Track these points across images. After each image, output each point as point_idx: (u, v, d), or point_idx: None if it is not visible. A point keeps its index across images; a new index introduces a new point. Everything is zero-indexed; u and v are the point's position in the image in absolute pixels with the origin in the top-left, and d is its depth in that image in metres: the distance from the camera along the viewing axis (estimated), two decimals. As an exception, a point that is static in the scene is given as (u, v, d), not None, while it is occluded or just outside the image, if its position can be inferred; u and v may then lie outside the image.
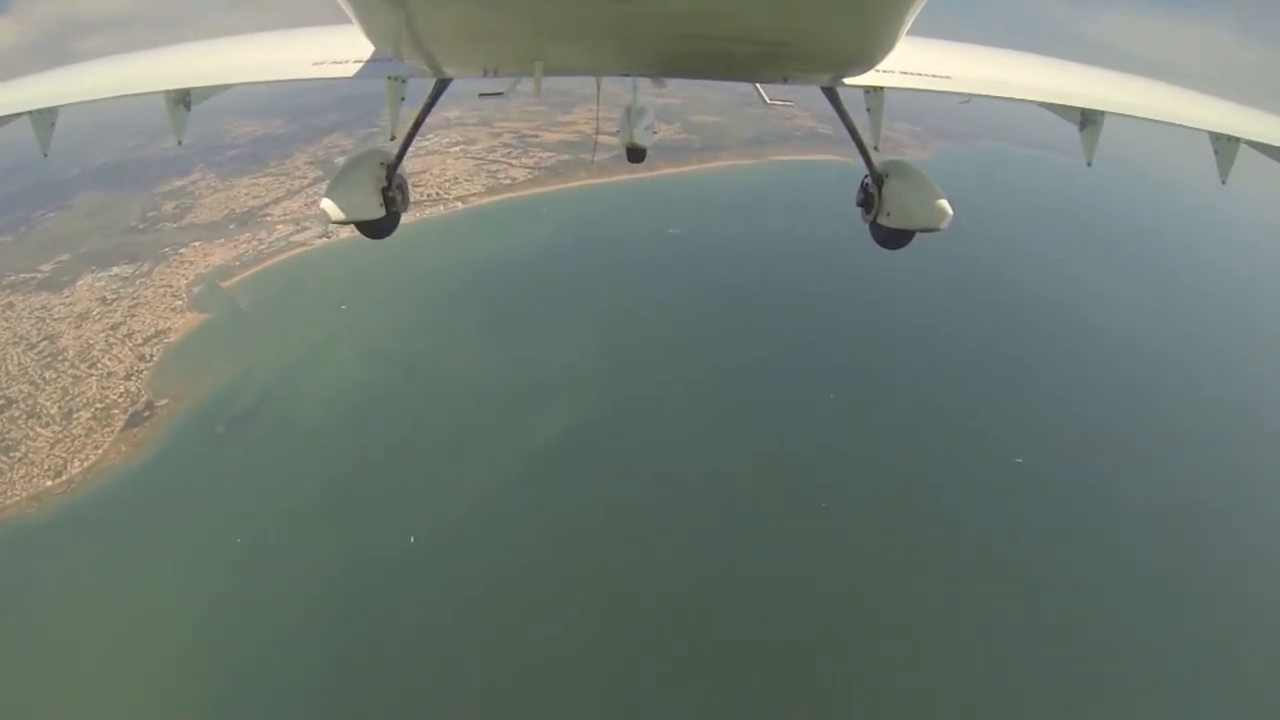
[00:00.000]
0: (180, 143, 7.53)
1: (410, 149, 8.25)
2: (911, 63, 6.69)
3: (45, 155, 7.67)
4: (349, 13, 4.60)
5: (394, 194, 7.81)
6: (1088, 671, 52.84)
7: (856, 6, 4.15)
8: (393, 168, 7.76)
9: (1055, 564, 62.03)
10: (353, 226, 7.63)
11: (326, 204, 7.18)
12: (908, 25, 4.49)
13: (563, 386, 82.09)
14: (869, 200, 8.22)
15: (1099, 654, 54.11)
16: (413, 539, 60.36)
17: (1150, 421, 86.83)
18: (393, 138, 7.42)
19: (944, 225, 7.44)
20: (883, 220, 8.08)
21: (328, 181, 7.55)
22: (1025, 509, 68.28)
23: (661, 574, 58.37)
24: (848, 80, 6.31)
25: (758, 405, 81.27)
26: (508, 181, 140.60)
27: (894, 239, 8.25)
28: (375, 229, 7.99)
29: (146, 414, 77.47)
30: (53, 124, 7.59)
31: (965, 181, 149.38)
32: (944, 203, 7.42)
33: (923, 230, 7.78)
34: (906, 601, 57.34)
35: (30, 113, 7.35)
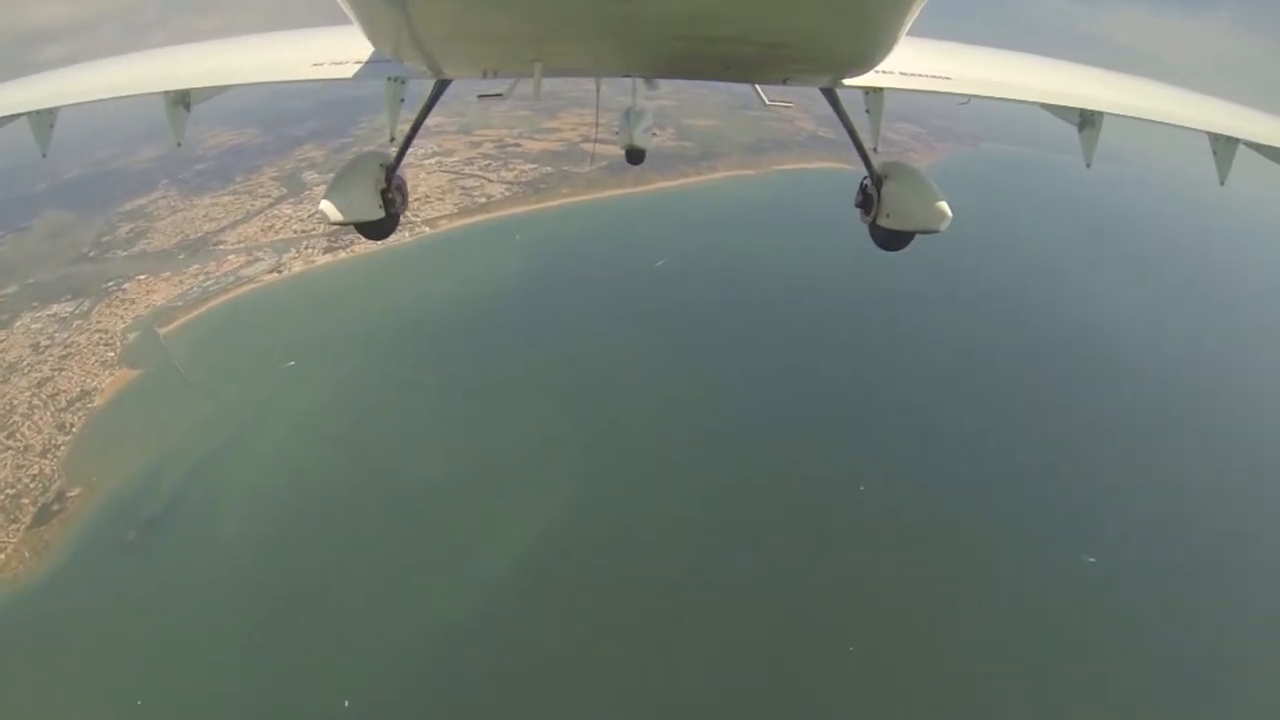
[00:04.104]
0: (179, 145, 7.37)
1: (409, 151, 8.16)
2: (911, 63, 6.58)
3: (44, 156, 7.59)
4: (349, 13, 4.44)
5: (393, 195, 7.84)
6: None
7: (856, 7, 4.02)
8: (392, 169, 7.81)
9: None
10: (352, 228, 7.69)
11: (326, 205, 7.17)
12: (908, 26, 4.34)
13: (539, 471, 70.72)
14: (868, 201, 8.20)
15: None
16: (348, 703, 49.90)
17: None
18: (392, 139, 7.40)
19: (943, 227, 7.40)
20: (882, 221, 8.07)
21: (327, 183, 7.50)
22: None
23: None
24: (847, 81, 6.20)
25: (770, 478, 70.94)
26: (483, 200, 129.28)
27: (893, 240, 8.26)
28: (374, 230, 8.06)
29: (56, 507, 68.44)
30: (52, 125, 7.44)
31: (972, 184, 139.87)
32: (943, 204, 7.40)
33: (922, 231, 7.78)
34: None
35: (30, 113, 7.19)
